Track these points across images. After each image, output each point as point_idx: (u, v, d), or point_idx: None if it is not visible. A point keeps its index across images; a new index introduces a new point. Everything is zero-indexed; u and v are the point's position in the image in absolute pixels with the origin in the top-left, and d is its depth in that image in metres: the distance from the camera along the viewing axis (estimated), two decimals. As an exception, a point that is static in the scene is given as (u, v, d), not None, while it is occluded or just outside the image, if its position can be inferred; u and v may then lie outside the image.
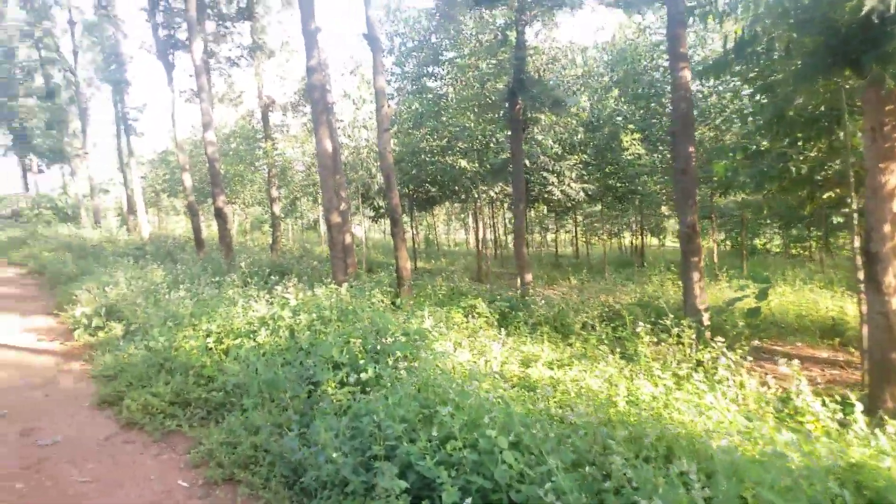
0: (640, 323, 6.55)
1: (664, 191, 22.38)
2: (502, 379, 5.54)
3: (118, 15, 25.66)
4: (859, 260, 7.08)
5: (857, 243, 7.48)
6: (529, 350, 6.97)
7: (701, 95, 17.21)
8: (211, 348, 6.09)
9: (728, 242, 31.35)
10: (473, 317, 8.91)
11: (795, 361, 4.37)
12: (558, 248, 36.97)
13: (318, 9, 10.87)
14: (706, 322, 8.24)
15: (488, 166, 19.39)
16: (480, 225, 24.04)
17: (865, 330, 6.68)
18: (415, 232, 32.07)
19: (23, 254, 16.49)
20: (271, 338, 6.17)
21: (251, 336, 6.34)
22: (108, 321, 7.95)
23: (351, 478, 3.24)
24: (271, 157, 23.37)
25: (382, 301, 8.54)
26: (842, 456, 3.00)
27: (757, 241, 28.51)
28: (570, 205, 22.30)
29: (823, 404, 4.10)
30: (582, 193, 20.82)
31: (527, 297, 10.99)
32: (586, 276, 17.11)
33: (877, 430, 3.65)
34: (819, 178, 8.84)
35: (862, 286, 6.79)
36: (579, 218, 30.36)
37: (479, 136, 19.10)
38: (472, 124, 18.39)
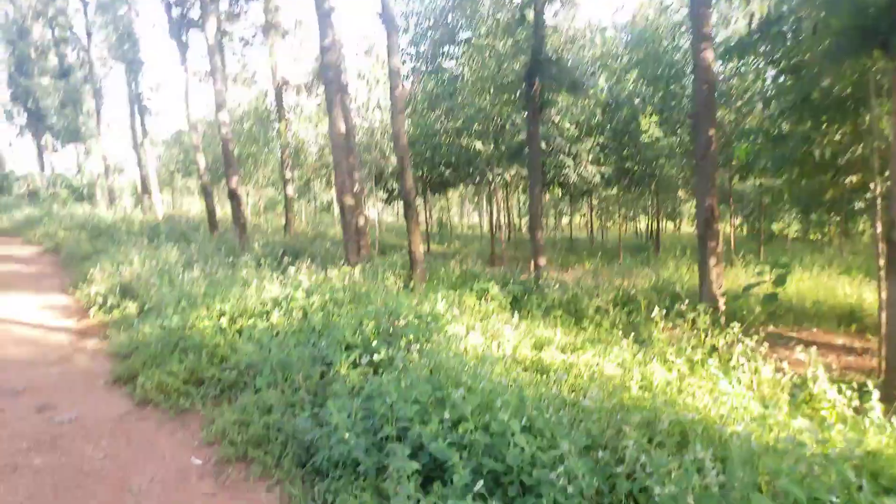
0: (655, 307, 6.49)
1: (682, 174, 22.06)
2: (515, 362, 5.53)
3: (131, -8, 25.65)
4: (881, 246, 6.94)
5: (878, 229, 7.32)
6: (542, 333, 6.94)
7: (722, 77, 16.82)
8: (225, 328, 6.11)
9: (744, 227, 30.92)
10: (486, 300, 8.89)
11: (813, 348, 4.31)
12: (573, 232, 36.72)
13: (332, -13, 10.73)
14: (722, 308, 8.16)
15: (504, 148, 19.21)
16: (494, 208, 23.89)
17: (884, 316, 6.57)
18: (428, 215, 31.99)
19: (39, 233, 16.65)
20: (284, 318, 6.19)
21: (264, 316, 6.36)
22: (123, 300, 8.02)
23: (363, 458, 3.25)
24: (285, 137, 23.36)
25: (395, 283, 8.54)
26: (858, 443, 2.95)
27: (774, 226, 28.08)
28: (585, 188, 22.05)
29: (839, 391, 4.04)
30: (598, 176, 20.59)
31: (540, 281, 10.94)
32: (601, 260, 16.97)
33: (894, 418, 3.60)
34: (842, 162, 8.65)
35: (882, 273, 6.66)
36: (594, 201, 30.07)
37: (496, 118, 18.87)
38: (488, 106, 18.16)
